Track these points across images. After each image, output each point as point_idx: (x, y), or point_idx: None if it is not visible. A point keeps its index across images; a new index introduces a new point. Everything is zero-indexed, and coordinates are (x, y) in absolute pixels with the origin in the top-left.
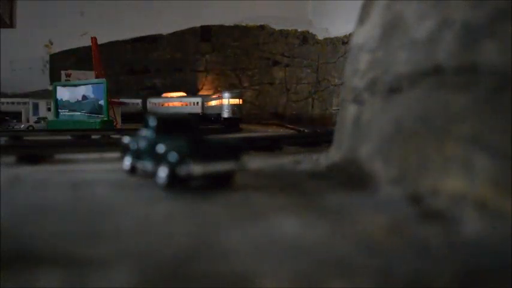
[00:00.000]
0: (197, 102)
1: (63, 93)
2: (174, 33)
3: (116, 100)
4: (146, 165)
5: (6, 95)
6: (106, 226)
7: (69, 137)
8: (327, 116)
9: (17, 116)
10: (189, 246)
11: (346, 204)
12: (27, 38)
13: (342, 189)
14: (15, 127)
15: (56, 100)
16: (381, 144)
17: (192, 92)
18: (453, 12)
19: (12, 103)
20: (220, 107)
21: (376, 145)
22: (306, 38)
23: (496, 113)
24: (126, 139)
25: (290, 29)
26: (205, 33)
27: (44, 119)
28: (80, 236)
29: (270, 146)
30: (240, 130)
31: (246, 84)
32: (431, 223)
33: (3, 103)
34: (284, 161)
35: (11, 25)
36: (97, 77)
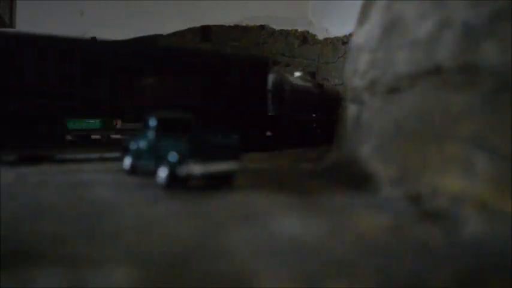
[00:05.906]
0: None
1: None
2: (174, 33)
3: None
4: (146, 165)
5: None
6: (106, 226)
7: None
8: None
9: None
10: (189, 246)
11: (346, 204)
12: None
13: (342, 189)
14: None
15: None
16: (381, 144)
17: None
18: (453, 12)
19: None
20: None
21: (376, 145)
22: (306, 38)
23: (496, 113)
24: (126, 139)
25: (290, 29)
26: (205, 33)
27: None
28: (80, 236)
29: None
30: None
31: None
32: (431, 223)
33: None
34: (284, 161)
35: (11, 25)
36: None
